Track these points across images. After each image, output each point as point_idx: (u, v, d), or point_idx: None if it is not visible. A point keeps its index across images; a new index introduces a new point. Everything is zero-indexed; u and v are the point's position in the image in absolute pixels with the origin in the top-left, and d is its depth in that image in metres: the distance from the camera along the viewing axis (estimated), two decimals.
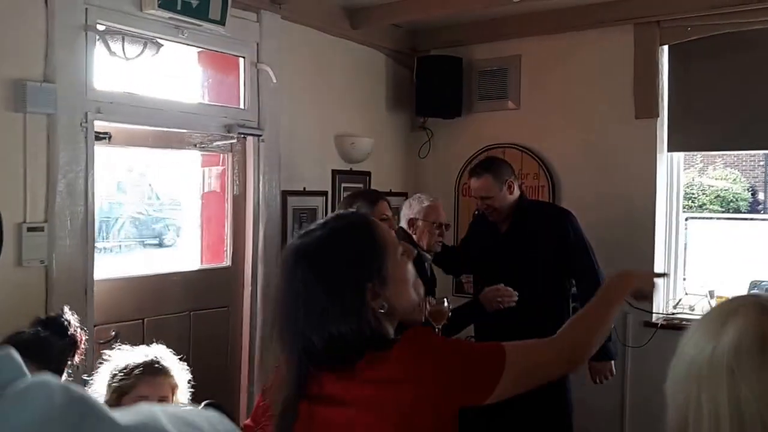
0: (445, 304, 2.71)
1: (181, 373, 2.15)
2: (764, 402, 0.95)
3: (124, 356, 2.12)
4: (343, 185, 4.49)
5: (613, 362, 3.41)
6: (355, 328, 1.35)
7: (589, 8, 4.16)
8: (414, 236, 3.31)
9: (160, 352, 2.15)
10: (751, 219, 8.82)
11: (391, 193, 4.74)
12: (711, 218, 6.89)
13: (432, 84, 4.68)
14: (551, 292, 3.40)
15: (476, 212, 3.83)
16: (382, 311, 1.39)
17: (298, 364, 1.39)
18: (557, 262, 3.39)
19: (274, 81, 3.83)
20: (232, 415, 2.28)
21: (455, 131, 4.84)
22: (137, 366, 2.07)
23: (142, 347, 2.17)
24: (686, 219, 4.25)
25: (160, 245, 4.11)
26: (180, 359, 2.19)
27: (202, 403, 2.11)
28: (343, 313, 1.35)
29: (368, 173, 4.69)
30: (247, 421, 2.12)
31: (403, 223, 3.39)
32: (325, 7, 4.25)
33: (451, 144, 4.89)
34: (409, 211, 3.37)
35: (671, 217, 4.20)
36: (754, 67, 3.87)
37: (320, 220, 1.49)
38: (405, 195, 4.99)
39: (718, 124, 4.00)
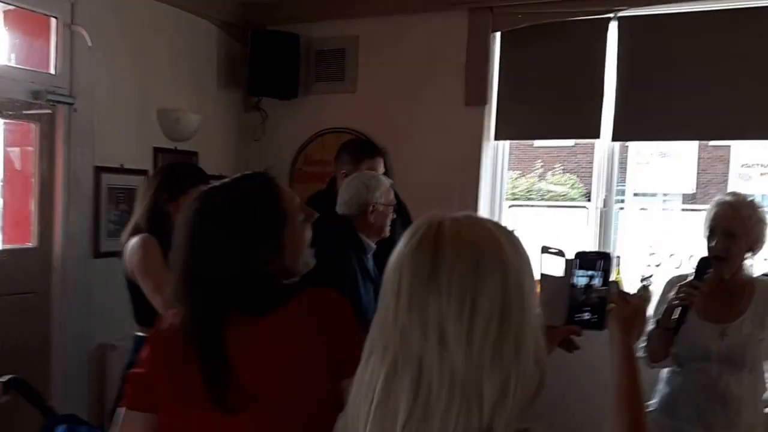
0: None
1: None
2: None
3: None
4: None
5: None
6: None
7: None
8: (370, 222, 3.14)
9: None
10: (571, 207, 9.74)
11: (220, 177, 4.97)
12: (532, 206, 7.65)
13: (267, 62, 4.92)
14: None
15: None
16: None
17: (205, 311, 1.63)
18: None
19: (90, 44, 3.95)
20: (38, 393, 2.51)
21: (291, 113, 5.13)
22: None
23: None
24: (509, 207, 4.82)
25: None
26: None
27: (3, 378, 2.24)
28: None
29: (195, 153, 4.84)
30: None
31: (353, 210, 3.12)
32: None
33: (286, 126, 5.17)
34: (368, 194, 3.13)
35: (494, 205, 4.73)
36: (579, 57, 4.42)
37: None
38: None
39: (544, 112, 4.53)
